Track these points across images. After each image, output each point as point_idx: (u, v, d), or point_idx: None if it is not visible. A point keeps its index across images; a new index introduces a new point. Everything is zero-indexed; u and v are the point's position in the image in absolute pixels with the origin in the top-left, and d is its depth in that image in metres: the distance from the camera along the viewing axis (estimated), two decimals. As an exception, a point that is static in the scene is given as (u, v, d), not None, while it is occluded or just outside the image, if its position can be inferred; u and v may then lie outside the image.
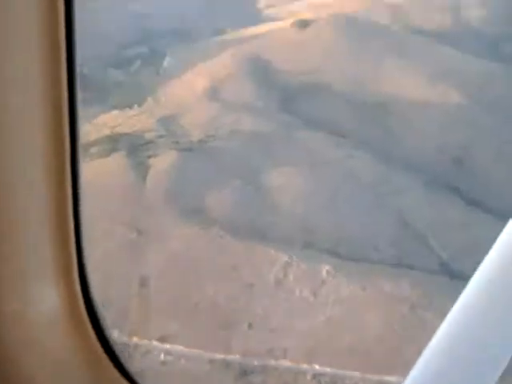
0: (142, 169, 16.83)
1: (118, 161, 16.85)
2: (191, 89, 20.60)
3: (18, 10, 1.35)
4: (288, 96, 20.55)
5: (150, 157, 17.43)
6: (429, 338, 2.02)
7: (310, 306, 13.12)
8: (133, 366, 1.68)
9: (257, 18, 31.05)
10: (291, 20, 24.41)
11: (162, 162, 17.08)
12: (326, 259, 14.37)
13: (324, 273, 13.96)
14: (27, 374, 1.51)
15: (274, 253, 14.36)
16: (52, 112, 1.50)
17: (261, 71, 21.40)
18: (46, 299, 1.54)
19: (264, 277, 13.58)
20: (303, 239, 14.82)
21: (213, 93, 20.43)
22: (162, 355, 12.17)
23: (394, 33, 24.70)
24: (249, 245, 14.45)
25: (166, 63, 23.47)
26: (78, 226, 1.57)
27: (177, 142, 18.06)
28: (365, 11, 27.16)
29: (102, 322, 1.63)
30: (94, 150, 17.70)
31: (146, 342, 12.31)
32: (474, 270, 2.14)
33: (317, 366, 12.08)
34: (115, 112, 20.44)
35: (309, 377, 11.80)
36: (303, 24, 23.14)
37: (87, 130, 19.34)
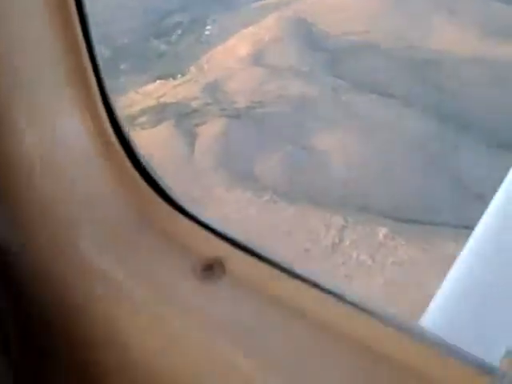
0: (190, 137, 16.62)
1: (165, 130, 16.66)
2: (234, 55, 20.22)
3: None
4: (335, 58, 20.02)
5: (197, 125, 17.17)
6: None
7: (368, 269, 12.81)
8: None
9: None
10: (334, -20, 23.71)
11: (210, 129, 16.82)
12: (382, 222, 13.99)
13: (381, 236, 13.59)
14: (65, 211, 1.44)
15: (328, 217, 14.04)
16: None
17: (306, 34, 20.88)
18: (70, 130, 1.49)
19: (320, 241, 13.29)
20: (358, 202, 14.46)
21: (257, 58, 20.01)
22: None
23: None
24: (303, 209, 14.15)
25: (207, 31, 23.10)
26: (92, 52, 1.47)
27: (223, 109, 17.76)
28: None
29: (136, 151, 1.56)
30: (140, 120, 17.51)
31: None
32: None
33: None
34: (159, 82, 20.18)
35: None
36: (347, -16, 22.43)
37: (132, 100, 19.15)
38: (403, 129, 17.27)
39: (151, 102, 19.03)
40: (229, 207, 14.24)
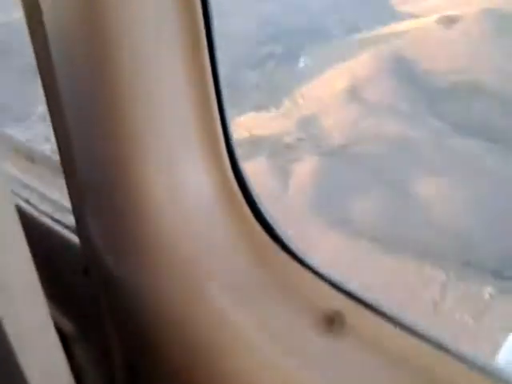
0: (283, 174, 16.07)
1: (258, 165, 16.20)
2: (330, 89, 19.66)
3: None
4: (436, 97, 19.13)
5: (291, 161, 16.63)
6: None
7: (472, 333, 11.77)
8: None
9: (391, 15, 29.62)
10: (434, 16, 22.85)
11: (304, 166, 16.23)
12: (488, 280, 12.94)
13: (487, 295, 12.54)
14: (193, 261, 1.46)
15: (429, 270, 13.11)
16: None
17: (405, 71, 20.10)
18: (197, 183, 1.52)
19: (419, 297, 12.37)
20: (461, 256, 13.46)
21: (353, 94, 19.37)
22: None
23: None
24: (401, 260, 13.29)
25: (301, 63, 22.67)
26: (222, 108, 1.52)
27: (318, 146, 17.16)
28: (507, 5, 25.14)
29: (260, 206, 1.59)
30: (233, 153, 17.20)
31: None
32: None
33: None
34: (252, 114, 19.85)
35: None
36: (450, 20, 21.55)
37: (225, 132, 18.98)
38: (510, 177, 16.18)
39: (244, 134, 18.63)
40: (322, 252, 13.55)
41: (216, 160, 1.56)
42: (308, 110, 19.90)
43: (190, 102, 1.47)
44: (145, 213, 1.44)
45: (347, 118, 19.09)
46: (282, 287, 1.52)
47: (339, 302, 1.44)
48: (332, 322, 1.40)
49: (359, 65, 22.09)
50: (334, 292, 1.46)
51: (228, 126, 1.57)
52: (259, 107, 22.16)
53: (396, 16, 31.60)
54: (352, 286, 1.46)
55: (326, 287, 1.47)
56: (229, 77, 26.18)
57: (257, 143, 18.71)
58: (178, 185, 1.51)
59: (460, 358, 1.31)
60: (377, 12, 32.66)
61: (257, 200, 1.61)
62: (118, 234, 1.45)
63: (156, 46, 1.36)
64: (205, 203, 1.55)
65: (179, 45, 1.39)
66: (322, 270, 1.51)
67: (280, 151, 17.82)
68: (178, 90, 1.44)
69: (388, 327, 1.37)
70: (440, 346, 1.33)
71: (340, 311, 1.41)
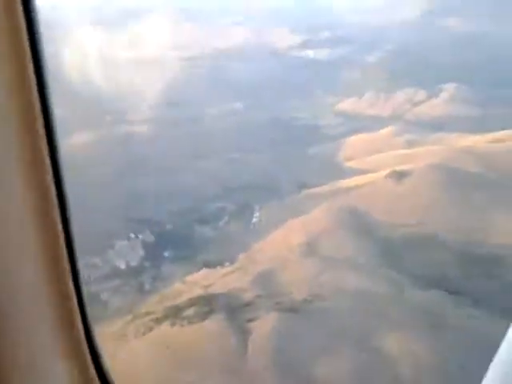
0: (242, 334, 15.29)
1: (215, 325, 15.42)
2: (286, 245, 19.46)
3: None
4: (391, 250, 19.12)
5: (250, 320, 15.91)
6: None
7: None
8: None
9: (339, 171, 30.56)
10: (384, 172, 23.52)
11: (264, 325, 15.52)
12: None
13: None
14: None
15: None
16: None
17: (359, 224, 20.22)
18: (60, 379, 1.58)
19: None
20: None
21: (309, 248, 19.20)
22: None
23: (493, 182, 23.40)
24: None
25: (255, 218, 22.62)
26: (83, 306, 1.57)
27: (278, 303, 16.57)
28: (452, 160, 26.26)
29: None
30: (188, 312, 16.38)
31: None
32: None
33: None
34: (206, 270, 19.32)
35: None
36: (399, 175, 22.17)
37: (179, 290, 18.14)
38: (474, 330, 15.74)
39: (198, 292, 17.98)
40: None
41: (77, 356, 1.61)
42: (265, 266, 19.57)
43: (51, 299, 1.57)
44: None
45: (305, 272, 18.78)
46: None
47: None
48: None
49: (313, 220, 22.25)
50: None
51: (87, 317, 1.61)
52: (213, 263, 21.75)
53: (344, 171, 32.63)
54: None
55: None
56: (179, 232, 25.88)
57: (213, 301, 18.05)
58: (41, 380, 1.56)
59: None
60: (324, 169, 33.71)
61: None
62: None
63: None
64: None
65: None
66: None
67: (238, 309, 17.15)
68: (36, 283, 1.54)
69: None
70: None
71: None
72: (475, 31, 69.32)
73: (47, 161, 1.57)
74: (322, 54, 72.44)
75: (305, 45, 73.38)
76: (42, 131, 1.55)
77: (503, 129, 34.43)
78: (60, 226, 1.60)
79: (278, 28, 77.63)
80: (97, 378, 1.67)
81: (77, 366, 1.62)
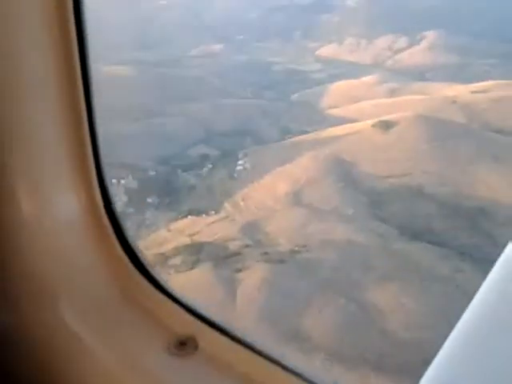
0: (230, 284, 15.14)
1: (203, 274, 15.24)
2: (272, 193, 19.22)
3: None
4: (377, 201, 19.03)
5: (238, 270, 15.76)
6: None
7: None
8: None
9: (323, 119, 30.21)
10: (369, 121, 23.24)
11: (252, 275, 15.40)
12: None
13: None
14: (52, 282, 1.53)
15: (391, 387, 12.33)
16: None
17: (345, 174, 20.02)
18: (65, 206, 1.56)
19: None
20: (422, 370, 12.64)
21: (296, 198, 18.99)
22: None
23: (478, 133, 23.33)
24: (361, 375, 12.43)
25: (239, 166, 22.29)
26: (94, 134, 1.55)
27: (265, 253, 16.43)
28: (437, 110, 26.10)
29: (123, 228, 1.64)
30: (174, 261, 16.16)
31: None
32: None
33: None
34: (191, 218, 19.06)
35: None
36: (386, 125, 21.93)
37: (164, 237, 17.89)
38: (462, 284, 15.85)
39: (184, 241, 17.68)
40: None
41: (86, 188, 1.60)
42: (251, 215, 19.30)
43: (62, 125, 1.53)
44: (14, 236, 1.50)
45: (292, 222, 18.61)
46: (139, 311, 1.58)
47: (194, 326, 1.51)
48: (184, 346, 1.48)
49: (299, 168, 21.95)
50: (189, 317, 1.54)
51: (100, 157, 1.60)
52: (198, 211, 21.42)
53: (327, 119, 32.29)
54: (207, 312, 1.51)
55: (183, 313, 1.54)
56: (162, 179, 25.45)
57: (199, 250, 17.79)
58: (46, 210, 1.54)
59: (305, 379, 1.42)
60: (307, 115, 33.30)
61: (123, 227, 1.64)
62: None
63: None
64: (72, 229, 1.58)
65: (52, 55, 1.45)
66: (182, 297, 1.56)
67: (225, 259, 16.94)
68: (52, 118, 1.50)
69: (238, 349, 1.44)
70: (287, 368, 1.41)
71: (193, 335, 1.48)
72: (455, -23, 68.49)
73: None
74: (302, -4, 70.96)
75: (283, -14, 71.76)
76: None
77: (486, 79, 34.34)
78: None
79: (255, -31, 75.48)
80: (104, 212, 1.64)
81: (85, 193, 1.60)
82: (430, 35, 49.80)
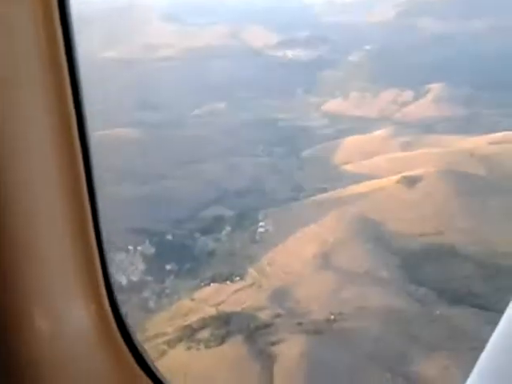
0: (266, 360, 14.00)
1: (235, 350, 14.13)
2: (299, 257, 18.27)
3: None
4: (411, 261, 18.06)
5: (272, 343, 14.62)
6: None
7: None
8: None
9: (338, 175, 29.49)
10: (392, 177, 22.49)
11: (289, 349, 14.29)
12: None
13: None
14: None
15: None
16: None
17: (373, 234, 19.13)
18: (75, 316, 1.60)
19: None
20: None
21: (324, 260, 18.04)
22: None
23: (505, 188, 22.54)
24: None
25: (260, 228, 21.37)
26: (101, 245, 1.62)
27: (299, 323, 15.36)
28: (458, 164, 25.45)
29: (132, 335, 1.68)
30: (203, 334, 15.06)
31: None
32: None
33: None
34: (214, 285, 18.03)
35: None
36: (411, 181, 21.17)
37: (188, 307, 16.85)
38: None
39: (210, 311, 16.54)
40: None
41: (94, 295, 1.60)
42: (278, 281, 18.23)
43: (70, 245, 1.54)
44: (27, 344, 1.50)
45: (323, 288, 17.54)
46: None
47: None
48: None
49: (325, 229, 21.03)
50: None
51: (106, 261, 1.60)
52: (221, 277, 20.35)
53: (342, 176, 31.57)
54: None
55: None
56: (180, 243, 24.47)
57: (227, 322, 16.59)
58: (56, 318, 1.55)
59: None
60: (321, 172, 32.61)
61: (131, 332, 1.64)
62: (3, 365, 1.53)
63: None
64: (83, 338, 1.58)
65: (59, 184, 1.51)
66: None
67: (257, 331, 15.74)
68: (58, 226, 1.51)
69: None
70: None
71: None
72: (450, 31, 69.30)
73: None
74: (301, 53, 71.62)
75: (282, 44, 72.49)
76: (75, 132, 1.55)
77: (497, 129, 33.89)
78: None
79: (254, 27, 76.73)
80: (113, 318, 1.61)
81: (94, 303, 1.57)
82: (435, 88, 49.86)
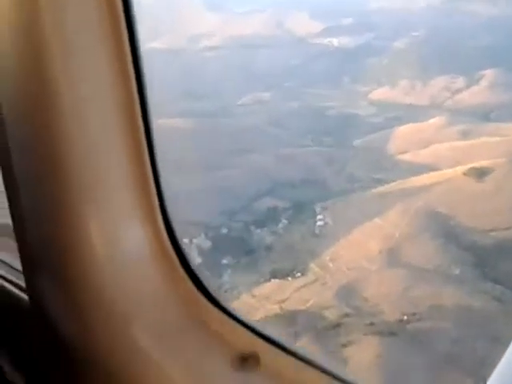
0: (338, 363, 13.17)
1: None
2: (363, 252, 17.38)
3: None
4: (484, 258, 17.01)
5: (343, 345, 13.83)
6: None
7: None
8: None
9: (394, 166, 28.46)
10: (458, 168, 21.41)
11: (362, 351, 13.46)
12: None
13: None
14: (123, 309, 1.64)
15: None
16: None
17: (443, 229, 18.10)
18: (134, 240, 1.68)
19: None
20: None
21: (392, 256, 17.10)
22: None
23: None
24: None
25: (319, 221, 20.56)
26: (156, 169, 1.68)
27: (371, 324, 14.50)
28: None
29: (187, 257, 1.75)
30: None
31: None
32: None
33: None
34: (275, 281, 17.29)
35: None
36: (480, 173, 20.09)
37: (250, 305, 16.18)
38: None
39: (274, 309, 15.78)
40: None
41: (149, 216, 1.67)
42: (344, 278, 17.36)
43: (128, 167, 1.60)
44: (82, 261, 1.57)
45: (393, 286, 16.63)
46: (204, 332, 1.65)
47: (256, 344, 1.58)
48: (246, 361, 1.54)
49: (389, 223, 20.02)
50: (251, 335, 1.60)
51: (161, 185, 1.67)
52: (281, 273, 19.59)
53: (398, 166, 30.49)
54: (268, 331, 1.53)
55: (245, 332, 1.61)
56: (236, 237, 23.89)
57: (293, 321, 15.81)
58: (113, 237, 1.61)
59: None
60: (376, 162, 31.58)
61: (186, 254, 1.72)
62: (60, 287, 1.65)
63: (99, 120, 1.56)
64: (139, 258, 1.65)
65: (116, 108, 1.57)
66: (245, 318, 1.61)
67: (326, 332, 14.96)
68: (116, 157, 1.57)
69: (300, 366, 1.49)
70: (343, 381, 1.42)
71: (255, 352, 1.55)
72: (500, 15, 67.06)
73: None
74: (346, 40, 70.03)
75: (327, 31, 71.18)
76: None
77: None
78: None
79: (298, 14, 75.62)
80: (170, 245, 1.67)
81: (151, 230, 1.64)
82: (488, 74, 48.05)
